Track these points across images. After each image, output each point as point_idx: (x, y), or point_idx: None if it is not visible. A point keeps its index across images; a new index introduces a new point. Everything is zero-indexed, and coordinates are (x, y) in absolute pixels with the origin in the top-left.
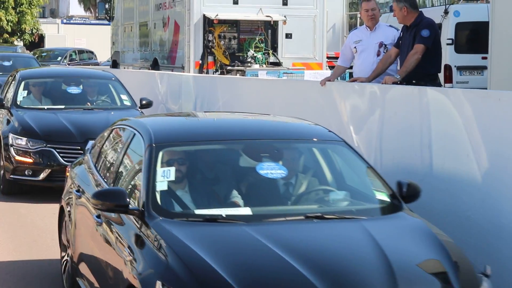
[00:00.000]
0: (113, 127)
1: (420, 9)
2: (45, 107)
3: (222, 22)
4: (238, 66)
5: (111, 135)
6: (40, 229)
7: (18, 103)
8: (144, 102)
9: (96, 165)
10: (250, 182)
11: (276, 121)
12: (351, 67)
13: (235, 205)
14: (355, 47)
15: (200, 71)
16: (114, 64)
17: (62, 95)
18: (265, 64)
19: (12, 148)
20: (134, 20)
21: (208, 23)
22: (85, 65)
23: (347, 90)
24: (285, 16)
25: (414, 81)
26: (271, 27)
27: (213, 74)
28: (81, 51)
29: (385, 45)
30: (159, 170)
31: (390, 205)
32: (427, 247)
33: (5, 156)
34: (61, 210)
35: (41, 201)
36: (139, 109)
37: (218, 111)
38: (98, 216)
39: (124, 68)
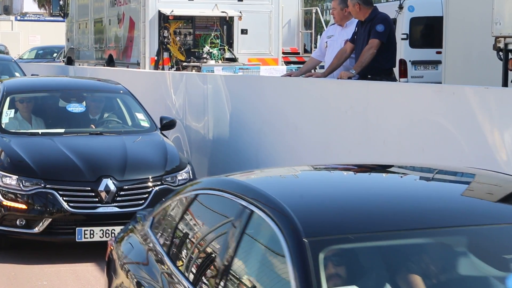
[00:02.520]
0: (199, 192)
1: (374, 4)
2: (39, 131)
3: (178, 18)
4: (193, 62)
5: (194, 207)
6: None
7: (3, 126)
8: (165, 122)
9: (170, 253)
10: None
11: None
12: None
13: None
14: (326, 42)
15: (156, 67)
16: (69, 61)
17: (61, 114)
18: (220, 60)
19: None
20: (89, 17)
21: (164, 19)
22: None
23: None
24: (240, 12)
25: (369, 76)
26: (226, 23)
27: (169, 70)
28: None
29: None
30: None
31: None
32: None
33: None
34: None
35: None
36: (160, 132)
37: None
38: None
39: (80, 65)
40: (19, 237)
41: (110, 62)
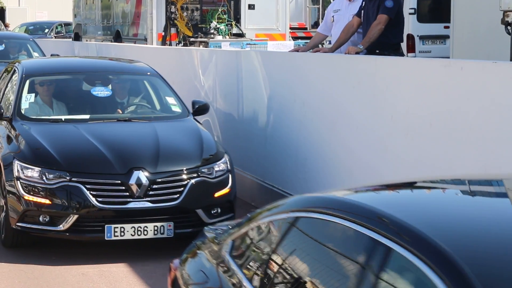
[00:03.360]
0: (300, 215)
1: None
2: (62, 117)
3: None
4: (201, 37)
5: (293, 235)
6: None
7: (22, 111)
8: (198, 106)
9: (252, 282)
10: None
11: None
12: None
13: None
14: (333, 16)
15: (163, 43)
16: (76, 36)
17: (85, 99)
18: (228, 35)
19: (19, 182)
20: None
21: None
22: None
23: (311, 60)
24: None
25: (377, 51)
26: None
27: (176, 46)
28: (67, 24)
29: None
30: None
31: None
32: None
33: (8, 193)
34: None
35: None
36: (193, 117)
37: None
38: None
39: (87, 40)
40: (42, 234)
41: (117, 37)
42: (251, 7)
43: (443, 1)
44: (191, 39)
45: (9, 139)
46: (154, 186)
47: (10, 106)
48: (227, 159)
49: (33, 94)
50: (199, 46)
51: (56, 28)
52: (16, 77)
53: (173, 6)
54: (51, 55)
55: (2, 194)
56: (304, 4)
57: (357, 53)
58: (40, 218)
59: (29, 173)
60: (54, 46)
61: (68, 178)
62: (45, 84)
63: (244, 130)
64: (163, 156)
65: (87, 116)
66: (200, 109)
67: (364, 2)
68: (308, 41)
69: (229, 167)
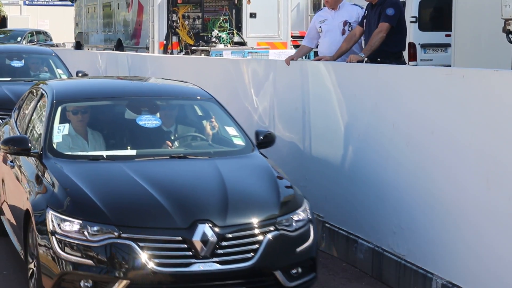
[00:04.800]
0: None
1: None
2: (103, 153)
3: (186, 2)
4: (202, 46)
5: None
6: None
7: (55, 146)
8: (262, 137)
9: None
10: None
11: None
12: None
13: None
14: (320, 27)
15: (165, 51)
16: (78, 45)
17: (130, 130)
18: (229, 43)
19: (54, 237)
20: (97, 1)
21: (172, 3)
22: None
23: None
24: None
25: (378, 59)
26: (235, 6)
27: (178, 54)
28: (38, 32)
29: (350, 23)
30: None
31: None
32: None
33: (42, 249)
34: None
35: None
36: (259, 152)
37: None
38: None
39: (88, 49)
40: None
41: (119, 46)
42: (253, 15)
43: (444, 9)
44: (193, 48)
45: (39, 181)
46: (224, 243)
47: (39, 139)
48: (307, 205)
49: (67, 125)
50: (200, 55)
51: (28, 36)
52: (44, 103)
53: (174, 15)
54: (77, 72)
55: (32, 252)
56: (305, 12)
57: (358, 61)
58: (81, 284)
59: (67, 226)
60: (73, 58)
61: (116, 233)
62: (79, 111)
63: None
64: (233, 205)
65: (133, 152)
66: (266, 140)
67: (366, 11)
68: None
69: (309, 216)
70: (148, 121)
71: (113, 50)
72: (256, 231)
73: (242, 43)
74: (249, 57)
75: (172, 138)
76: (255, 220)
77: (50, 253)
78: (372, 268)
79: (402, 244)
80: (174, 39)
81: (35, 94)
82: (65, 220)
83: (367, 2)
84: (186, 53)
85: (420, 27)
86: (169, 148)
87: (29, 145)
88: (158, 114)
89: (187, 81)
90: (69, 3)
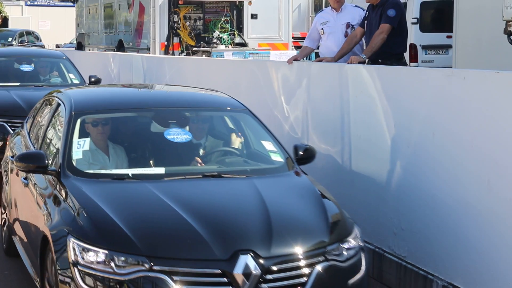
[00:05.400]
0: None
1: None
2: (129, 172)
3: (187, 3)
4: (203, 47)
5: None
6: None
7: (74, 163)
8: (302, 152)
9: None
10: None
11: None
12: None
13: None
14: (322, 29)
15: (166, 52)
16: (79, 46)
17: (157, 146)
18: (230, 44)
19: (76, 269)
20: (98, 2)
21: (173, 4)
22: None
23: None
24: None
25: (380, 61)
26: (236, 7)
27: (179, 55)
28: (28, 33)
29: (352, 25)
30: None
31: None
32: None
33: (61, 283)
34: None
35: None
36: (301, 170)
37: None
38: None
39: (90, 50)
40: None
41: (120, 47)
42: (254, 16)
43: (445, 11)
44: (194, 49)
45: (57, 202)
46: (268, 277)
47: (57, 155)
48: (357, 232)
49: (88, 139)
50: (201, 56)
51: (20, 36)
52: (61, 114)
53: (176, 16)
54: (90, 77)
55: (51, 284)
56: (306, 13)
57: (359, 62)
58: None
59: (91, 256)
60: (81, 60)
61: (147, 266)
62: (100, 123)
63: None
64: (278, 232)
65: (161, 170)
66: (306, 156)
67: (367, 12)
68: None
69: (360, 243)
70: (178, 135)
71: (114, 51)
72: (304, 262)
73: (243, 44)
74: (250, 58)
75: (203, 154)
76: (302, 250)
77: (72, 286)
78: (373, 269)
79: (403, 245)
80: (175, 40)
81: (50, 103)
82: (89, 250)
83: (368, 3)
84: (187, 54)
85: (421, 29)
86: (200, 165)
87: (46, 161)
88: (187, 127)
89: (215, 89)
90: (71, 3)
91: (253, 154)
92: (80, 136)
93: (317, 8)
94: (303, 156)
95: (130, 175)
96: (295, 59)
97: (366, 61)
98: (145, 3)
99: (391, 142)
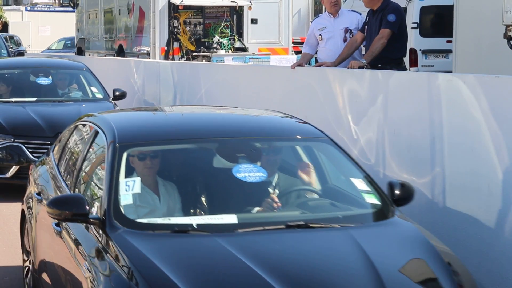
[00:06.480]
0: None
1: None
2: (193, 222)
3: (188, 8)
4: (204, 52)
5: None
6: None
7: (123, 211)
8: (399, 191)
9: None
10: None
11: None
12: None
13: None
14: (320, 35)
15: (166, 57)
16: (79, 51)
17: (227, 187)
18: (231, 49)
19: None
20: (98, 7)
21: (174, 9)
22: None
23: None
24: (250, 2)
25: (379, 65)
26: (236, 12)
27: (179, 60)
28: (11, 37)
29: (351, 30)
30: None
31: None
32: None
33: None
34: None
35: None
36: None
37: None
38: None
39: (90, 55)
40: None
41: (120, 52)
42: (254, 21)
43: (445, 15)
44: (194, 54)
45: (104, 264)
46: None
47: (100, 199)
48: None
49: (138, 180)
50: (201, 61)
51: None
52: (100, 145)
53: (176, 21)
54: (114, 91)
55: None
56: (306, 18)
57: (360, 67)
58: None
59: None
60: (92, 66)
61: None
62: (148, 157)
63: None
64: None
65: (232, 219)
66: (403, 196)
67: (367, 17)
68: None
69: None
70: (249, 172)
71: (114, 56)
72: None
73: (243, 49)
74: (250, 63)
75: (279, 195)
76: None
77: None
78: None
79: None
80: (175, 45)
81: (84, 131)
82: None
83: (368, 9)
84: (187, 59)
85: (421, 33)
86: (276, 205)
87: (87, 208)
88: (259, 163)
89: (275, 109)
90: (71, 9)
91: (341, 195)
92: (128, 174)
93: (317, 13)
94: (400, 196)
95: (195, 226)
96: (298, 64)
97: (366, 66)
98: (145, 8)
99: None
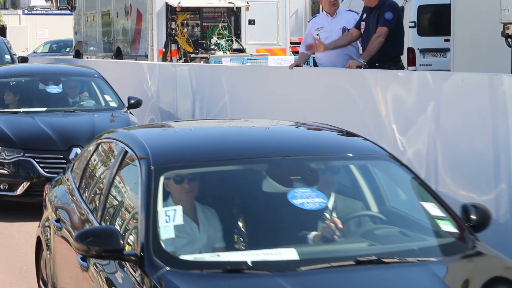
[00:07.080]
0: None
1: None
2: (247, 259)
3: (185, 9)
4: (201, 53)
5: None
6: (19, 256)
7: (163, 246)
8: (477, 218)
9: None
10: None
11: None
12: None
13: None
14: (317, 34)
15: (164, 59)
16: (77, 54)
17: (282, 216)
18: (228, 51)
19: None
20: (96, 10)
21: (171, 11)
22: None
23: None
24: (247, 2)
25: (377, 64)
26: (234, 13)
27: (177, 62)
28: None
29: (348, 29)
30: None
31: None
32: None
33: None
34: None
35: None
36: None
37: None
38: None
39: (87, 58)
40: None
41: (118, 54)
42: (252, 22)
43: (443, 14)
44: (192, 55)
45: None
46: None
47: (134, 232)
48: None
49: (179, 208)
50: (199, 62)
51: None
52: (130, 168)
53: (173, 23)
54: (129, 99)
55: None
56: (304, 18)
57: (358, 67)
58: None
59: None
60: (114, 71)
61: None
62: (186, 179)
63: None
64: None
65: (292, 254)
66: (480, 222)
67: (363, 14)
68: None
69: None
70: (308, 198)
71: (112, 58)
72: None
73: (241, 50)
74: (248, 64)
75: (339, 222)
76: None
77: None
78: None
79: None
80: (173, 46)
81: (109, 149)
82: None
83: (365, 5)
84: (185, 61)
85: (419, 32)
86: (337, 232)
87: (121, 242)
88: (316, 187)
89: (320, 122)
90: (68, 12)
91: (410, 222)
92: (166, 204)
93: (315, 13)
94: (478, 222)
95: (250, 264)
96: (296, 65)
97: (364, 65)
98: (143, 11)
99: None
